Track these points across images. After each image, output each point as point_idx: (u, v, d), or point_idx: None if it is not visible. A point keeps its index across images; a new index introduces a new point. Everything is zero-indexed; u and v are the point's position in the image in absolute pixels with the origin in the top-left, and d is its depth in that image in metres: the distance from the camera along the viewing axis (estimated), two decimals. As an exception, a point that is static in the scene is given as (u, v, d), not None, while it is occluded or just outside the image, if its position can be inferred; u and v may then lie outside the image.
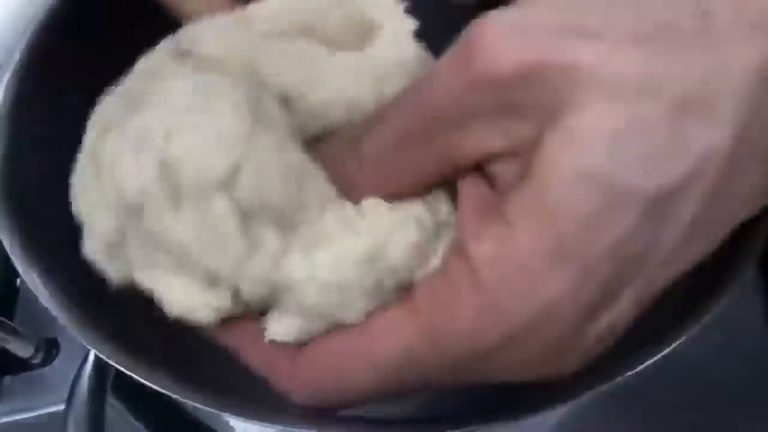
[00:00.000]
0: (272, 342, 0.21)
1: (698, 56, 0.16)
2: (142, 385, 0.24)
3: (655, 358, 0.22)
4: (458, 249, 0.18)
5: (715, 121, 0.16)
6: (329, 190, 0.21)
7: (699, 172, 0.16)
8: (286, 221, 0.20)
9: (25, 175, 0.27)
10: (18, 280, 0.38)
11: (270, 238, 0.20)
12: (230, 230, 0.19)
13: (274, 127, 0.21)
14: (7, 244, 0.25)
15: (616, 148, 0.16)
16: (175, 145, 0.19)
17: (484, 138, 0.18)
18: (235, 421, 0.26)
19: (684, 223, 0.17)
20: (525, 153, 0.17)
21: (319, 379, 0.20)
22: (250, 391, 0.22)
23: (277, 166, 0.20)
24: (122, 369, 0.22)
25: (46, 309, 0.32)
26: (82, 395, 0.25)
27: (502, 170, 0.18)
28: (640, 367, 0.22)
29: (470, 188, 0.19)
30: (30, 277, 0.24)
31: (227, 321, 0.21)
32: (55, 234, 0.27)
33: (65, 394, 0.32)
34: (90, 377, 0.24)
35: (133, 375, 0.22)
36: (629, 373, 0.22)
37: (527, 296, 0.17)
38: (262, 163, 0.20)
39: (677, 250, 0.18)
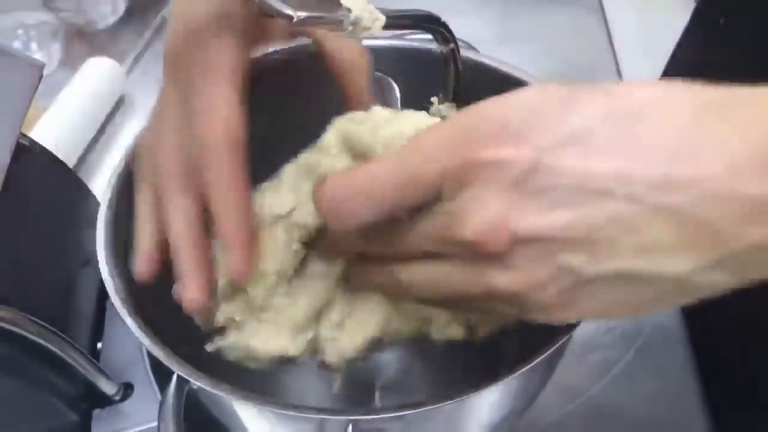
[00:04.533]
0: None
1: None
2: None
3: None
4: None
5: None
6: None
7: None
8: None
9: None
10: (99, 345, 0.49)
11: None
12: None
13: None
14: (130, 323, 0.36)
15: None
16: None
17: None
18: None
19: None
20: None
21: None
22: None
23: None
24: (195, 382, 0.33)
25: (124, 360, 0.44)
26: (168, 410, 0.35)
27: None
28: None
29: None
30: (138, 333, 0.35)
31: None
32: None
33: (139, 422, 0.44)
34: (174, 395, 0.35)
35: (203, 386, 0.33)
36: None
37: None
38: None
39: None
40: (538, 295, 0.26)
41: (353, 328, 0.34)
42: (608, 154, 0.24)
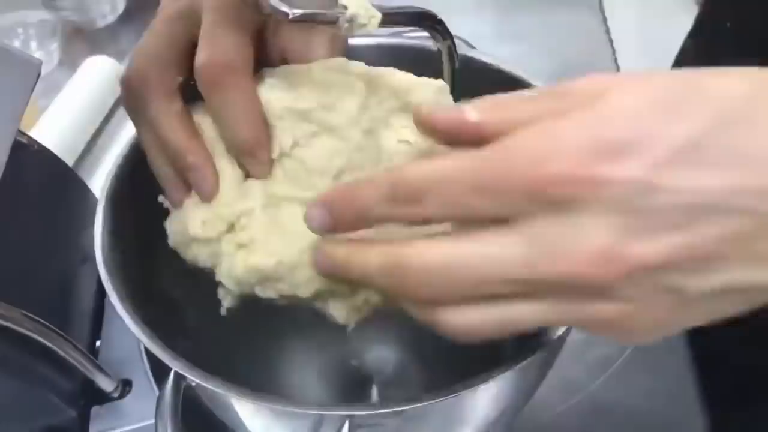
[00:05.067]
0: None
1: None
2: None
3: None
4: None
5: None
6: None
7: None
8: None
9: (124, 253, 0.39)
10: (98, 343, 0.49)
11: None
12: None
13: None
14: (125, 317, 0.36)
15: None
16: None
17: None
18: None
19: None
20: None
21: None
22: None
23: None
24: (192, 378, 0.33)
25: (122, 357, 0.44)
26: (165, 407, 0.35)
27: None
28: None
29: None
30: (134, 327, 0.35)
31: None
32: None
33: (137, 419, 0.44)
34: (171, 392, 0.35)
35: (201, 382, 0.33)
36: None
37: None
38: None
39: None
40: (638, 320, 0.25)
41: None
42: (720, 166, 0.23)
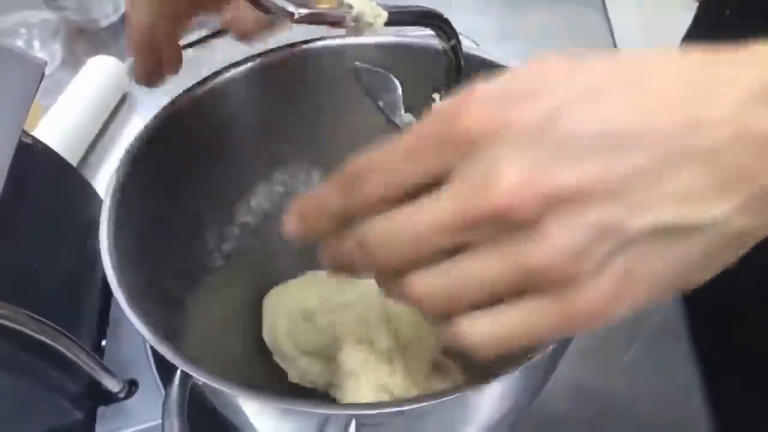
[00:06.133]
0: None
1: None
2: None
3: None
4: None
5: None
6: None
7: None
8: None
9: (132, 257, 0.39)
10: (104, 342, 0.49)
11: None
12: None
13: None
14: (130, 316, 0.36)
15: None
16: None
17: None
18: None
19: None
20: None
21: None
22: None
23: None
24: (199, 377, 0.33)
25: (128, 357, 0.44)
26: (172, 406, 0.35)
27: None
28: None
29: None
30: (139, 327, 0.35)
31: None
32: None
33: (144, 419, 0.44)
34: (177, 391, 0.35)
35: (207, 381, 0.33)
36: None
37: None
38: None
39: None
40: (580, 269, 0.24)
41: None
42: (623, 106, 0.24)
